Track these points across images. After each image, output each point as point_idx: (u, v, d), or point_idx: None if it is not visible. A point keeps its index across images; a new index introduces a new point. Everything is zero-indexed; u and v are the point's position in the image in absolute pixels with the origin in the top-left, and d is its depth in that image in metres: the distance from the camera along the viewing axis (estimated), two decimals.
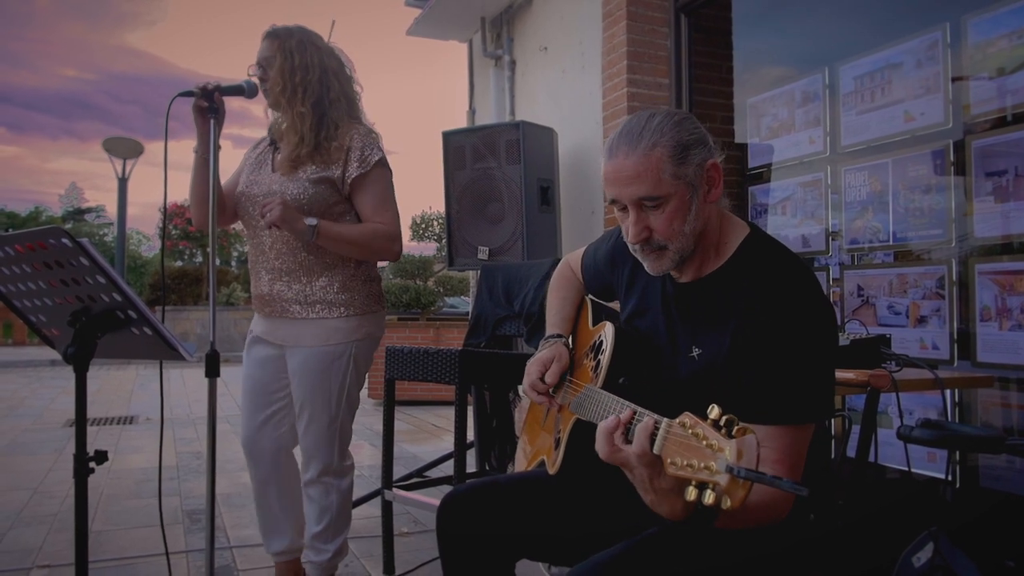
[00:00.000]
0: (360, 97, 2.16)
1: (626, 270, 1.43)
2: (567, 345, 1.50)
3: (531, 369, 1.45)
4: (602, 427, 1.03)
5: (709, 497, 0.85)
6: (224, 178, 2.18)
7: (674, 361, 1.28)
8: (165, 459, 4.31)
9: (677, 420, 0.93)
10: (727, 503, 0.84)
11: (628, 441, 1.01)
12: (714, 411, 0.89)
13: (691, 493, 0.87)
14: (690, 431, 0.90)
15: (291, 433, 2.17)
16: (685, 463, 0.89)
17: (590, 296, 1.59)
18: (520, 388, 3.05)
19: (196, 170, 2.07)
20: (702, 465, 0.87)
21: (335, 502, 2.12)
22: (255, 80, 2.03)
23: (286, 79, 1.99)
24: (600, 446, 1.03)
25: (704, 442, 0.88)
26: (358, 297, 2.09)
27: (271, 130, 2.16)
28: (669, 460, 0.92)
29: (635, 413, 1.03)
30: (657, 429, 0.96)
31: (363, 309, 2.10)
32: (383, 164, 2.07)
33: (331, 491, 2.11)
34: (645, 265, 1.26)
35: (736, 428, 0.87)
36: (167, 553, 1.93)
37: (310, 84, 2.01)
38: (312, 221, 1.93)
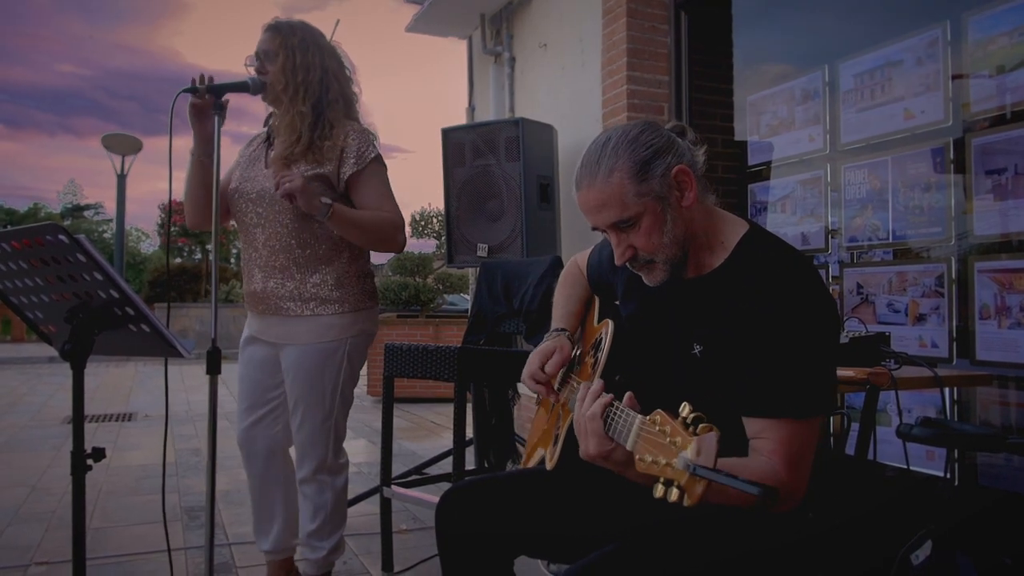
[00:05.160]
0: (359, 98, 2.15)
1: (628, 269, 1.43)
2: (570, 339, 1.50)
3: (532, 360, 1.45)
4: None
5: (673, 494, 0.87)
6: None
7: (676, 358, 1.28)
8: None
9: (649, 417, 0.95)
10: (686, 500, 0.86)
11: (609, 438, 1.04)
12: (685, 409, 0.91)
13: (658, 490, 0.89)
14: (658, 428, 0.92)
15: (286, 432, 2.16)
16: (651, 460, 0.91)
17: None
18: (519, 385, 3.05)
19: (191, 173, 2.08)
20: (665, 462, 0.89)
21: (329, 500, 2.11)
22: (254, 73, 2.02)
23: (288, 78, 1.98)
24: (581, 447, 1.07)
25: (669, 439, 0.90)
26: (352, 293, 2.08)
27: (267, 123, 2.15)
28: (638, 457, 0.94)
29: (606, 407, 1.06)
30: (630, 426, 0.98)
31: (357, 305, 2.09)
32: (379, 160, 2.07)
33: (325, 489, 2.11)
34: (643, 278, 1.28)
35: (700, 426, 0.88)
36: (169, 550, 1.93)
37: (311, 84, 2.00)
38: (327, 200, 1.92)
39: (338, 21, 2.11)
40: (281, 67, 1.99)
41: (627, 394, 1.06)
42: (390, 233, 2.05)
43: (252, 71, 2.03)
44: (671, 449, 0.89)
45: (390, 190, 2.10)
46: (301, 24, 2.06)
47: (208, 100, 1.95)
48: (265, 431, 2.15)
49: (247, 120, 2.30)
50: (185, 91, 1.89)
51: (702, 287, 1.26)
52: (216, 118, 1.92)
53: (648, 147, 1.19)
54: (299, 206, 1.90)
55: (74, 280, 1.33)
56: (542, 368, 1.43)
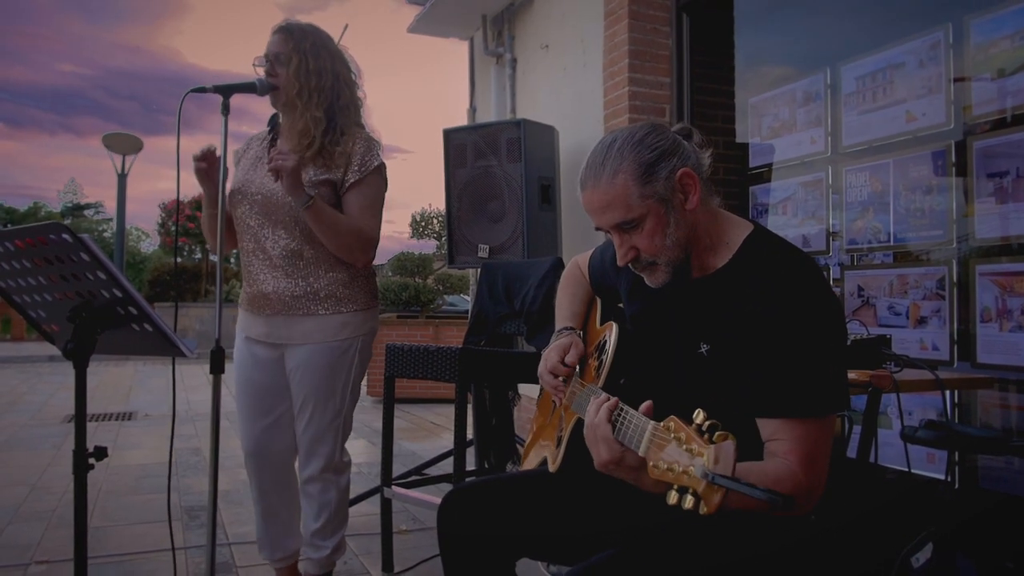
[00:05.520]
0: (363, 103, 2.16)
1: (632, 270, 1.43)
2: (579, 336, 1.50)
3: (550, 355, 1.45)
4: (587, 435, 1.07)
5: (688, 502, 0.86)
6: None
7: (681, 358, 1.28)
8: (164, 456, 4.31)
9: (662, 423, 0.95)
10: (703, 508, 0.85)
11: (618, 442, 1.04)
12: (699, 416, 0.91)
13: (672, 497, 0.88)
14: (673, 435, 0.92)
15: (294, 434, 2.16)
16: (666, 467, 0.91)
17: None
18: (519, 386, 3.04)
19: (209, 226, 2.09)
20: (681, 469, 0.88)
21: (334, 499, 2.12)
22: (262, 74, 2.02)
23: (301, 82, 1.98)
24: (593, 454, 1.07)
25: (685, 446, 0.89)
26: (363, 292, 2.11)
27: (271, 124, 2.15)
28: (652, 463, 0.93)
29: (612, 411, 1.06)
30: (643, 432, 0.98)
31: (367, 304, 2.12)
32: (380, 172, 2.07)
33: (330, 488, 2.11)
34: (645, 279, 1.28)
35: (717, 433, 0.88)
36: (173, 549, 1.93)
37: (323, 90, 2.01)
38: (311, 191, 1.92)
39: (347, 26, 2.11)
40: (295, 71, 1.98)
41: (645, 404, 1.05)
42: (361, 246, 2.03)
43: (261, 72, 2.03)
44: (686, 456, 0.88)
45: (379, 205, 2.09)
46: (311, 28, 2.05)
47: (213, 162, 1.98)
48: (280, 435, 2.14)
49: (247, 120, 2.30)
50: (194, 91, 1.89)
51: (706, 288, 1.26)
52: (225, 119, 1.93)
53: (653, 149, 1.20)
54: (283, 186, 1.90)
55: (77, 279, 1.33)
56: (562, 361, 1.43)
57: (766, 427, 1.15)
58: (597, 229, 1.26)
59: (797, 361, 1.14)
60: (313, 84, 1.99)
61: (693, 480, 0.86)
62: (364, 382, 6.99)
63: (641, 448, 0.97)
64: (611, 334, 1.36)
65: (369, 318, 2.12)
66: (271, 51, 2.02)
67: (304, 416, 2.08)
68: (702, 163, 1.25)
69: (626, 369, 1.32)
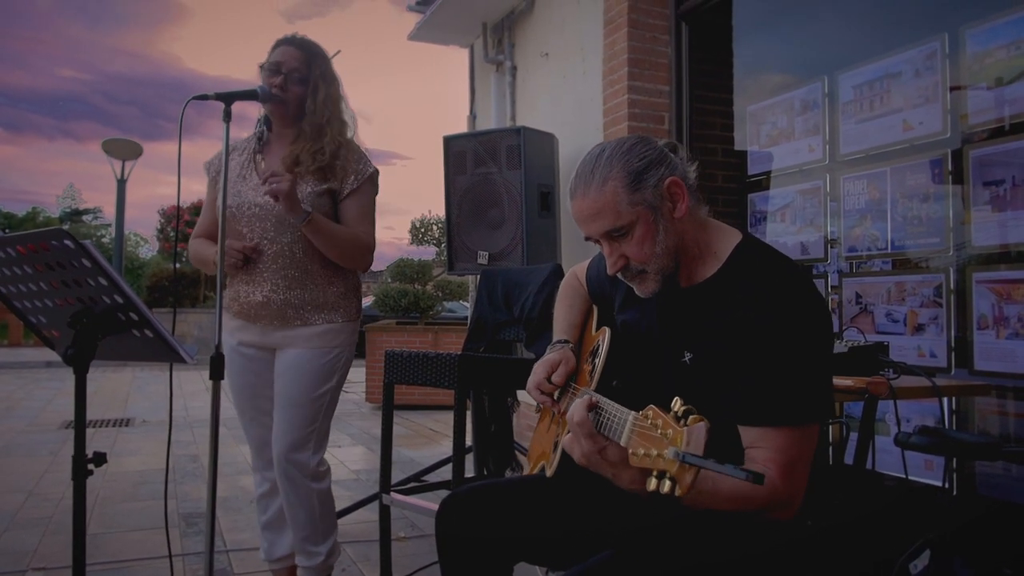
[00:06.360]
0: (353, 122, 2.23)
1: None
2: (573, 351, 1.51)
3: (538, 370, 1.47)
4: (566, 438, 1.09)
5: (665, 486, 0.89)
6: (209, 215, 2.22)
7: (667, 365, 1.29)
8: (161, 462, 4.30)
9: (641, 412, 0.97)
10: (678, 490, 0.88)
11: (602, 435, 1.06)
12: (676, 403, 0.93)
13: (651, 483, 0.91)
14: (650, 422, 0.95)
15: None
16: (644, 453, 0.93)
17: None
18: (518, 392, 3.05)
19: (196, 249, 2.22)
20: (657, 454, 0.91)
21: (316, 506, 2.14)
22: (268, 86, 2.04)
23: (317, 103, 2.07)
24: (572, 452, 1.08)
25: (660, 432, 0.92)
26: (352, 303, 2.18)
27: (259, 127, 2.17)
28: (631, 451, 0.96)
29: (592, 407, 1.08)
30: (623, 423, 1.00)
31: (355, 315, 2.19)
32: (372, 180, 2.16)
33: (312, 496, 2.14)
34: (635, 289, 1.29)
35: (691, 417, 0.90)
36: (170, 556, 1.93)
37: (323, 112, 2.09)
38: (308, 208, 1.99)
39: (339, 52, 2.20)
40: (310, 95, 2.06)
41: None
42: (360, 253, 2.12)
43: (270, 79, 2.04)
44: (663, 441, 0.91)
45: (373, 213, 2.18)
46: (321, 50, 2.13)
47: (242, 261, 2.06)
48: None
49: (247, 125, 2.32)
50: (196, 98, 1.91)
51: (695, 297, 1.27)
52: (227, 125, 1.95)
53: (642, 158, 1.22)
54: (281, 207, 1.95)
55: (78, 285, 1.34)
56: (548, 379, 1.44)
57: (747, 434, 1.16)
58: (587, 239, 1.27)
59: (786, 370, 1.14)
60: (320, 99, 2.07)
61: (667, 463, 0.88)
62: (362, 388, 7.01)
63: (623, 438, 0.99)
64: (604, 339, 1.37)
65: (356, 327, 2.21)
66: (288, 65, 2.06)
67: (283, 419, 2.10)
68: (689, 175, 1.26)
69: (619, 374, 1.33)
